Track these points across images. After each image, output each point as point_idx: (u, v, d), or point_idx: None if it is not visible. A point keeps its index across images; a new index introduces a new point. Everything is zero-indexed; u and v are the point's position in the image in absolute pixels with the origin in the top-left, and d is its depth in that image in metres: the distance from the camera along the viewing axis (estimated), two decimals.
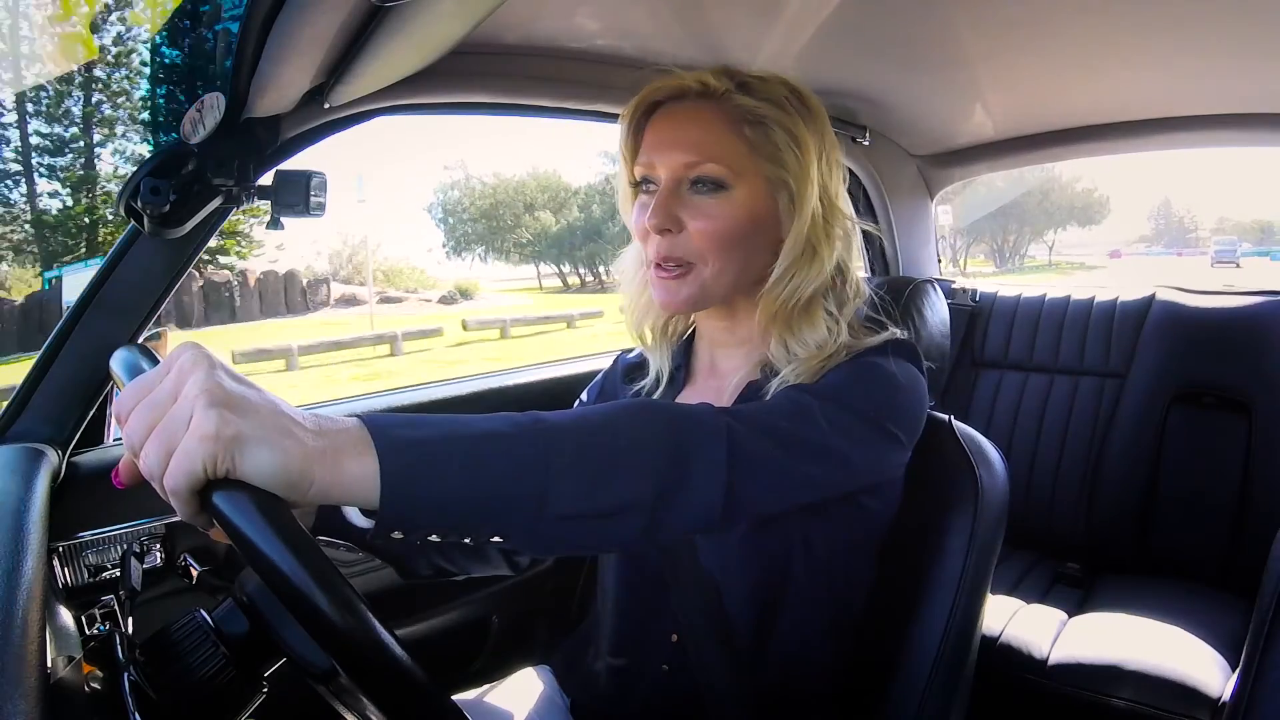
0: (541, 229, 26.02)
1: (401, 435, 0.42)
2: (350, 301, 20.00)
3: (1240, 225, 50.09)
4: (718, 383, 0.78)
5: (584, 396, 0.89)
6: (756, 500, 0.57)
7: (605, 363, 0.92)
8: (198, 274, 17.61)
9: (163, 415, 0.38)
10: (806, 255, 0.70)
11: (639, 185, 0.73)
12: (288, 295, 18.59)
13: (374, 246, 26.36)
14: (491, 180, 27.73)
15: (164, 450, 0.37)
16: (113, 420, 0.94)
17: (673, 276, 0.70)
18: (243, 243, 20.01)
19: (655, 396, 0.81)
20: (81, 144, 18.08)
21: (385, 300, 20.50)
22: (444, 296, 20.85)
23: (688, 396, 0.80)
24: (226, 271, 18.52)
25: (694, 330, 0.83)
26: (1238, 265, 30.36)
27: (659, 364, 0.82)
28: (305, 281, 19.52)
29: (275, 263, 20.20)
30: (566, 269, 27.26)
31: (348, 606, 0.35)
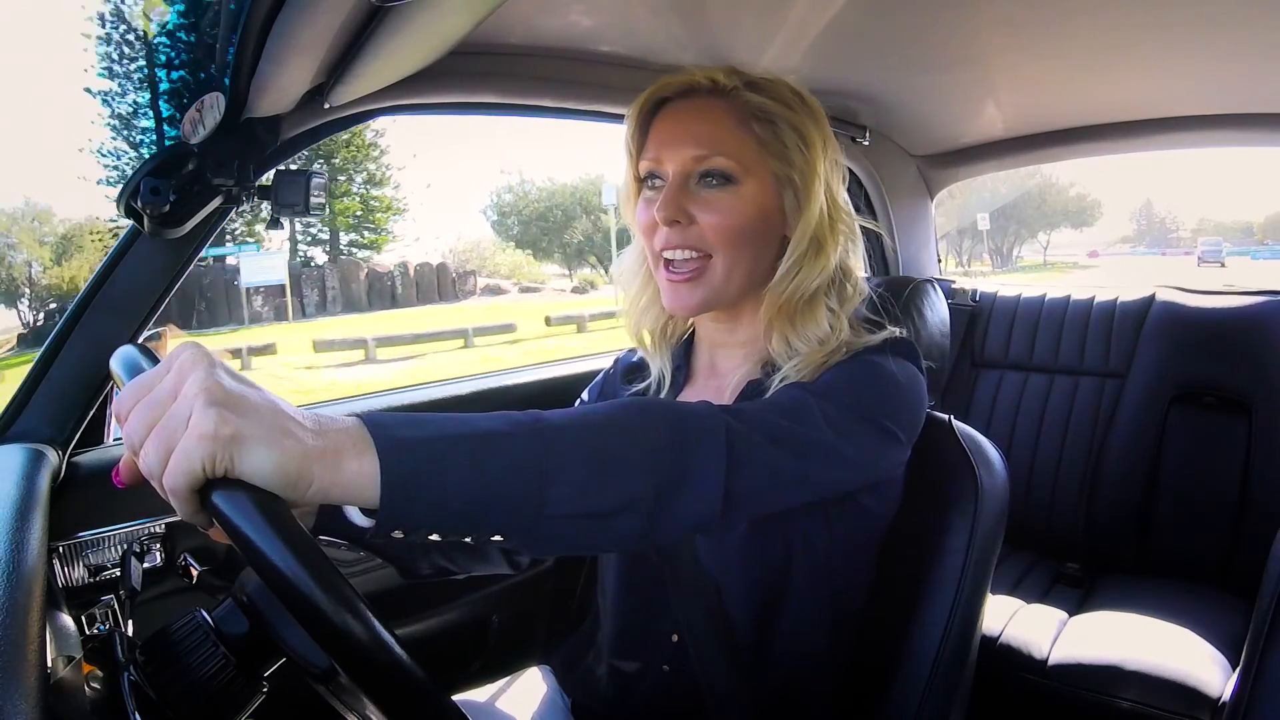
0: (598, 229, 26.62)
1: (401, 434, 0.42)
2: (494, 291, 22.35)
3: (1221, 226, 51.06)
4: (718, 382, 0.78)
5: (584, 396, 0.89)
6: (755, 498, 0.57)
7: (606, 362, 0.92)
8: (362, 264, 21.65)
9: (162, 414, 0.38)
10: (812, 251, 0.71)
11: (644, 181, 0.73)
12: (440, 285, 21.19)
13: (497, 243, 28.43)
14: (545, 184, 28.88)
15: (163, 449, 0.37)
16: (113, 420, 0.94)
17: (683, 279, 0.70)
18: (393, 239, 24.67)
19: (655, 396, 0.81)
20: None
21: (525, 290, 22.75)
22: (575, 287, 23.67)
23: (688, 396, 0.80)
24: (388, 263, 22.29)
25: (692, 331, 0.83)
26: (1222, 264, 31.17)
27: (659, 365, 0.82)
28: (455, 273, 22.18)
29: (404, 258, 23.48)
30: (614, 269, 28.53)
31: (347, 606, 0.35)
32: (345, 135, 23.21)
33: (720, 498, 0.53)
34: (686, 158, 0.69)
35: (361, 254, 23.00)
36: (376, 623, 0.36)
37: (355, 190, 24.32)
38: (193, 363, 0.39)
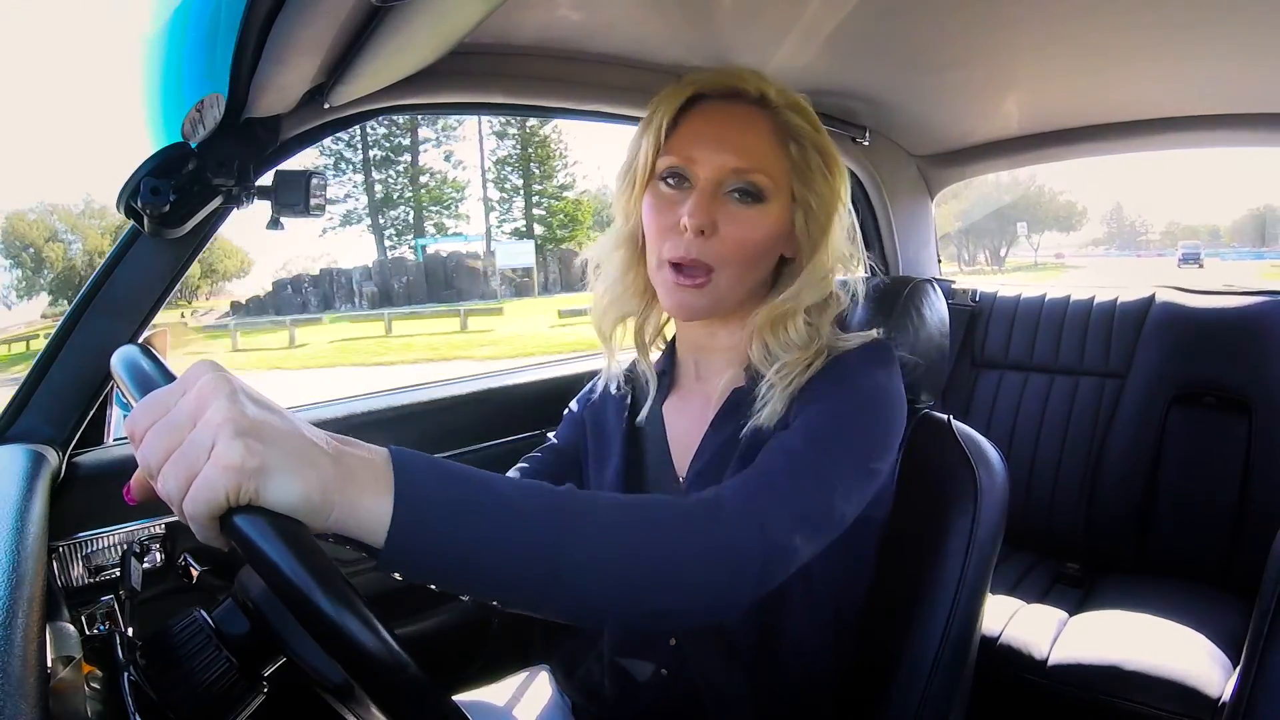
0: None
1: (422, 490, 0.42)
2: None
3: (1189, 229, 53.06)
4: (703, 388, 0.78)
5: (574, 406, 0.87)
6: (778, 580, 0.56)
7: (605, 363, 0.91)
8: (577, 251, 29.13)
9: (181, 439, 0.37)
10: (819, 275, 0.71)
11: (659, 175, 0.70)
12: None
13: None
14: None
15: (185, 477, 0.36)
16: (113, 420, 0.94)
17: (693, 285, 0.68)
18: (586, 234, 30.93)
19: (642, 404, 0.80)
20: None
21: None
22: None
23: (674, 404, 0.79)
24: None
25: (673, 336, 0.83)
26: (1200, 265, 32.74)
27: (618, 370, 0.80)
28: None
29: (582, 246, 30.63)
30: None
31: (371, 630, 0.36)
32: (543, 151, 31.43)
33: (745, 604, 0.54)
34: (725, 167, 0.67)
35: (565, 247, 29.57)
36: (397, 647, 0.36)
37: (550, 193, 31.09)
38: (214, 388, 0.38)
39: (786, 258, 0.73)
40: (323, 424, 1.15)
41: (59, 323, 0.88)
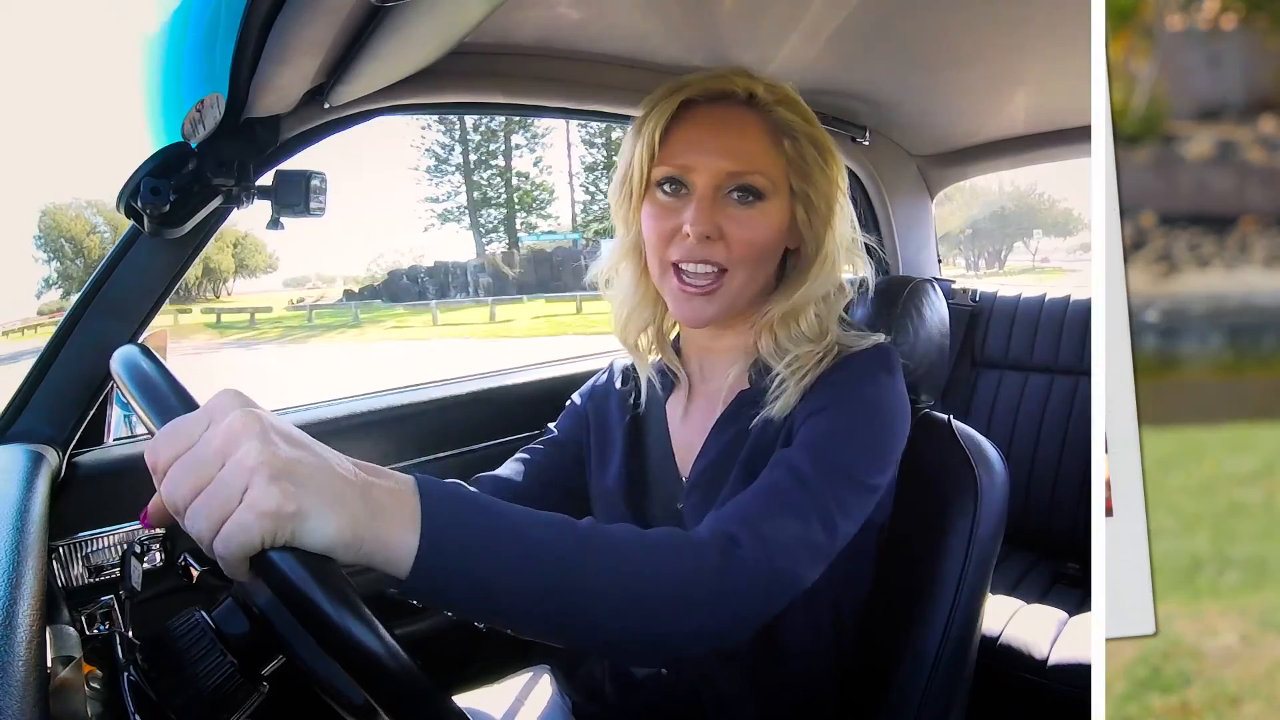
0: None
1: (444, 523, 0.42)
2: None
3: None
4: (708, 388, 0.78)
5: (576, 398, 0.87)
6: (785, 604, 0.57)
7: (604, 363, 0.91)
8: None
9: (209, 478, 0.36)
10: (829, 265, 0.71)
11: (658, 184, 0.70)
12: None
13: None
14: None
15: (216, 518, 0.35)
16: (113, 420, 0.93)
17: (700, 292, 0.68)
18: None
19: (645, 403, 0.80)
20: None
21: None
22: None
23: (678, 403, 0.79)
24: None
25: (676, 335, 0.82)
26: None
27: (649, 373, 0.80)
28: None
29: None
30: None
31: (404, 665, 0.37)
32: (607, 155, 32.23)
33: (755, 631, 0.56)
34: (721, 171, 0.67)
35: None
36: (436, 687, 0.38)
37: None
38: (244, 427, 0.37)
39: (790, 249, 0.73)
40: (322, 424, 1.15)
41: (59, 322, 0.88)
